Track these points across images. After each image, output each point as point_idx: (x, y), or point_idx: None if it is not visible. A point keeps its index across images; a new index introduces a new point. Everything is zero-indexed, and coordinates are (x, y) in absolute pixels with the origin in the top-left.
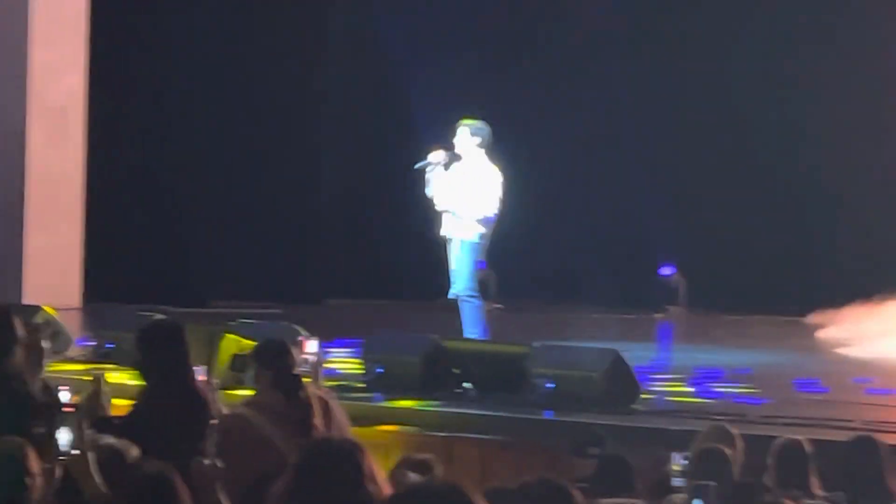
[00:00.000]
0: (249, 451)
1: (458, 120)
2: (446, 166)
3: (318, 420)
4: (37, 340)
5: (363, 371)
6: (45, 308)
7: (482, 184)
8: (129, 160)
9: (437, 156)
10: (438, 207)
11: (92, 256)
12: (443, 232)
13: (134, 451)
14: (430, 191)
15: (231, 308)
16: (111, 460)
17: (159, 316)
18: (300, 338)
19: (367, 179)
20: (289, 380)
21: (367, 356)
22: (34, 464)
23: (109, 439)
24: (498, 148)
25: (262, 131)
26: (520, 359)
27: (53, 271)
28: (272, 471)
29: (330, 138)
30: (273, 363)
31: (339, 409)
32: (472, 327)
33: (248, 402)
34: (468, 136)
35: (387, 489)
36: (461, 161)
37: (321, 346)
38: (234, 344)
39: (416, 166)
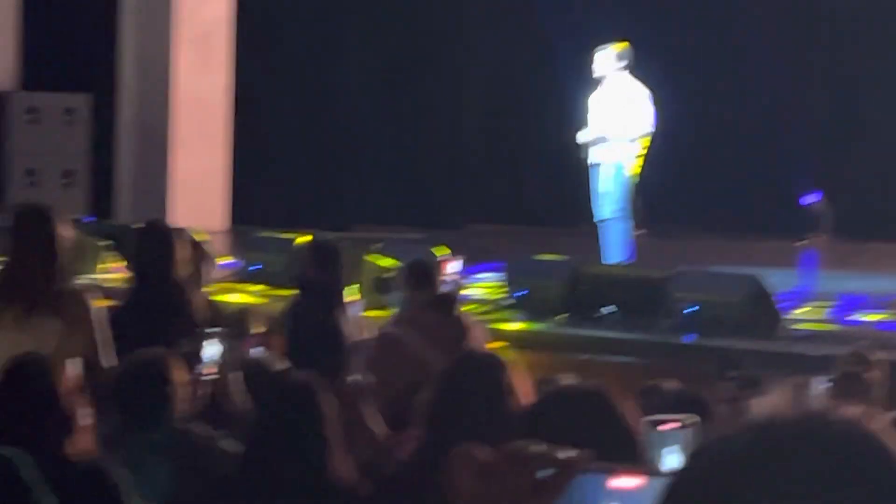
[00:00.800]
0: (402, 368)
1: (595, 45)
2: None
3: (468, 339)
4: (198, 259)
5: (505, 294)
6: (192, 231)
7: (635, 103)
8: (275, 85)
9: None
10: (588, 131)
11: (238, 180)
12: (591, 157)
13: (278, 364)
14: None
15: (374, 232)
16: (256, 373)
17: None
18: (440, 259)
19: (508, 105)
20: (442, 299)
21: (509, 280)
22: (177, 374)
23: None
24: (637, 71)
25: (406, 55)
26: (660, 283)
27: (200, 195)
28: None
29: (473, 63)
30: (425, 283)
31: (482, 331)
32: (618, 249)
33: (399, 320)
34: (613, 60)
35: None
36: (603, 87)
37: (463, 267)
38: (376, 266)
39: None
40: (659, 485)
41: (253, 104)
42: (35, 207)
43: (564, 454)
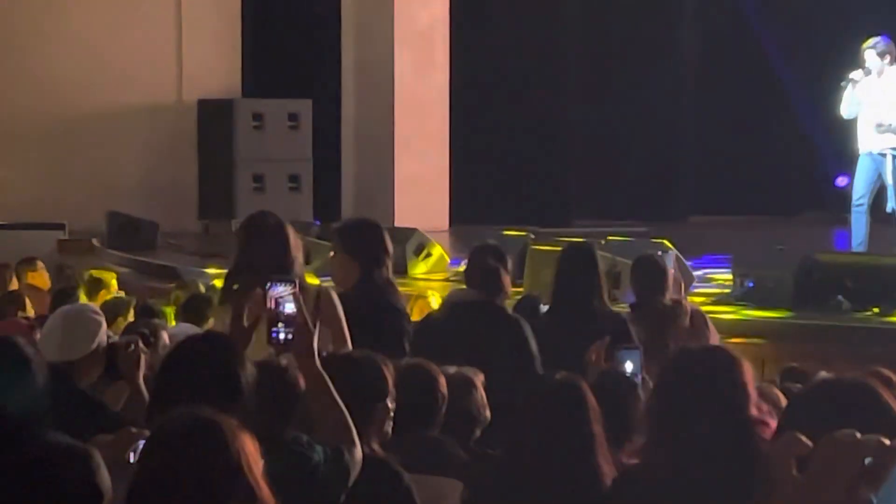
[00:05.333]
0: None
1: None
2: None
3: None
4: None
5: (733, 285)
6: (419, 230)
7: None
8: (491, 82)
9: (857, 74)
10: (859, 122)
11: (458, 179)
12: (869, 147)
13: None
14: (845, 108)
15: (596, 227)
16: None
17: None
18: (668, 252)
19: (729, 97)
20: (655, 295)
21: (736, 271)
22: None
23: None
24: None
25: (621, 49)
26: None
27: (423, 195)
28: None
29: (696, 56)
30: (656, 278)
31: (708, 322)
32: None
33: (633, 317)
34: (874, 56)
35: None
36: (877, 79)
37: (680, 260)
38: (603, 261)
39: (843, 83)
40: None
41: (470, 103)
42: (263, 214)
43: (887, 441)
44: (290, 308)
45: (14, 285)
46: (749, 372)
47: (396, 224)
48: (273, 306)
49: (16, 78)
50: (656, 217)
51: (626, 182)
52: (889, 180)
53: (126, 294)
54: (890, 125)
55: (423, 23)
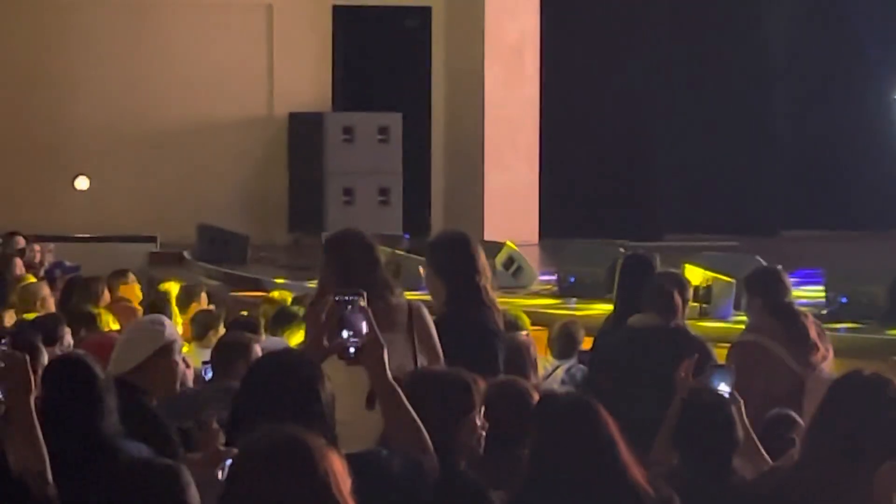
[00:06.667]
0: (770, 377)
1: None
2: None
3: (820, 345)
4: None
5: (826, 300)
6: (509, 244)
7: None
8: (581, 97)
9: None
10: None
11: (547, 192)
12: None
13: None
14: None
15: (687, 241)
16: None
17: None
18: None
19: (819, 110)
20: (782, 307)
21: (830, 286)
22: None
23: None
24: None
25: (713, 64)
26: None
27: (512, 208)
28: (786, 391)
29: (783, 69)
30: (763, 291)
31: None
32: None
33: (751, 328)
34: None
35: None
36: None
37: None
38: (696, 275)
39: None
40: None
41: (560, 116)
42: (347, 233)
43: None
44: (358, 322)
45: (106, 298)
46: None
47: (486, 237)
48: (342, 321)
49: (108, 91)
50: (747, 231)
51: (718, 195)
52: None
53: (216, 307)
54: None
55: (513, 36)
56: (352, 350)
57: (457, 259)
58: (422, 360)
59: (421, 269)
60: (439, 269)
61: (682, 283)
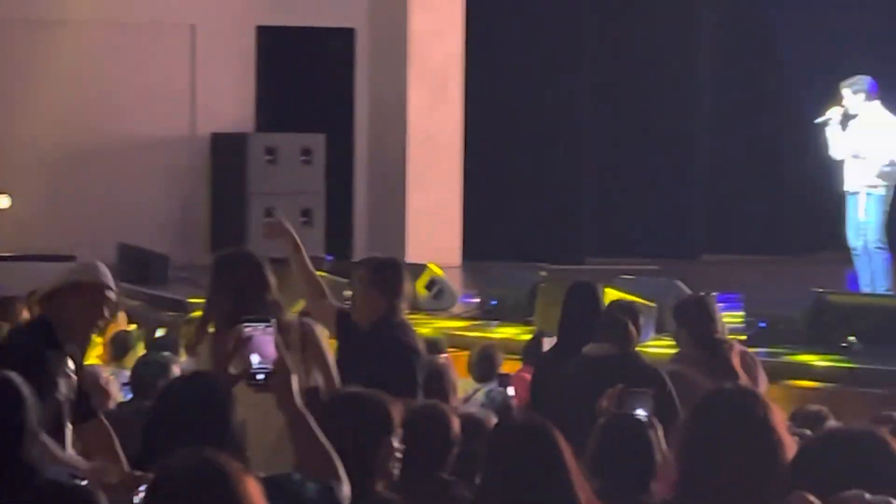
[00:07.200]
0: (687, 403)
1: (836, 79)
2: (843, 125)
3: (742, 374)
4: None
5: (744, 325)
6: (431, 266)
7: (884, 133)
8: (505, 120)
9: (835, 112)
10: (844, 162)
11: (470, 215)
12: (846, 187)
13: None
14: (832, 149)
15: (608, 264)
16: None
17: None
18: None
19: (740, 136)
20: (705, 337)
21: (748, 310)
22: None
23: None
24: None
25: (636, 88)
26: None
27: (434, 231)
28: None
29: (705, 94)
30: (687, 321)
31: (758, 363)
32: (876, 280)
33: (676, 358)
34: (852, 95)
35: (788, 440)
36: (857, 118)
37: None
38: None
39: (816, 121)
40: None
41: (484, 138)
42: (238, 253)
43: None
44: (266, 347)
45: (25, 317)
46: (779, 415)
47: (409, 259)
48: (249, 346)
49: (29, 110)
50: (668, 254)
51: (639, 219)
52: (862, 217)
53: (136, 327)
54: (859, 164)
55: (437, 58)
56: (260, 377)
57: (395, 280)
58: (316, 380)
59: (347, 292)
60: (381, 287)
61: (634, 312)
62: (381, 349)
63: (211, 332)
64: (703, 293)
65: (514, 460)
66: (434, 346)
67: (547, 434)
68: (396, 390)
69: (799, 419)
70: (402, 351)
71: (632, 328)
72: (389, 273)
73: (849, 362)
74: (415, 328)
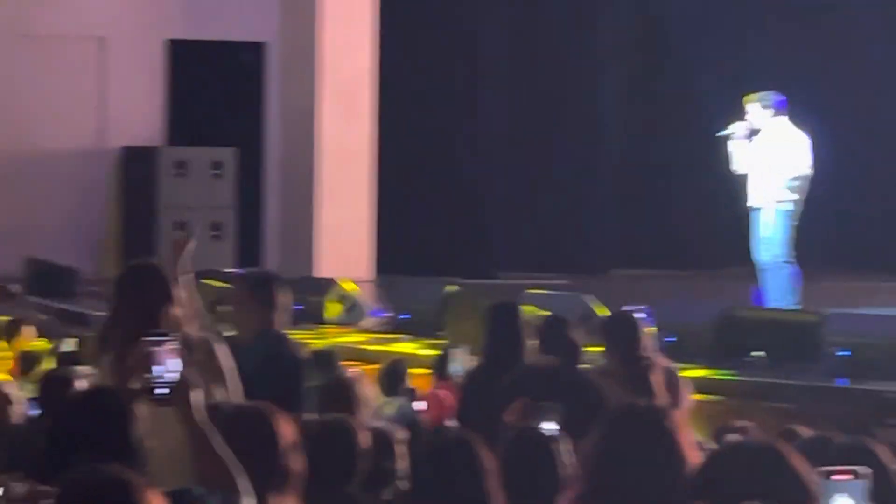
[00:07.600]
0: None
1: (741, 94)
2: (749, 138)
3: (659, 389)
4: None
5: (653, 339)
6: (342, 281)
7: (791, 148)
8: (417, 135)
9: (739, 126)
10: (748, 176)
11: (382, 229)
12: (751, 202)
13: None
14: (735, 163)
15: (519, 279)
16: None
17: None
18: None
19: (648, 150)
20: (627, 354)
21: (657, 325)
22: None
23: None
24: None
25: (546, 103)
26: (813, 327)
27: (345, 245)
28: None
29: (611, 109)
30: (610, 338)
31: (680, 381)
32: (782, 295)
33: (598, 372)
34: (759, 110)
35: (695, 457)
36: (761, 133)
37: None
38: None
39: (718, 134)
40: None
41: (396, 153)
42: (143, 266)
43: None
44: (168, 363)
45: None
46: (687, 433)
47: (319, 273)
48: (151, 361)
49: None
50: (578, 269)
51: (549, 234)
52: (766, 232)
53: (47, 342)
54: (762, 179)
55: (349, 72)
56: (162, 391)
57: (273, 294)
58: (220, 394)
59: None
60: (262, 302)
61: (577, 327)
62: (261, 362)
63: (114, 346)
64: (629, 308)
65: (439, 474)
66: (326, 357)
67: (471, 449)
68: (280, 402)
69: (724, 433)
70: (283, 362)
71: (577, 341)
72: (265, 287)
73: (755, 376)
74: (306, 341)
